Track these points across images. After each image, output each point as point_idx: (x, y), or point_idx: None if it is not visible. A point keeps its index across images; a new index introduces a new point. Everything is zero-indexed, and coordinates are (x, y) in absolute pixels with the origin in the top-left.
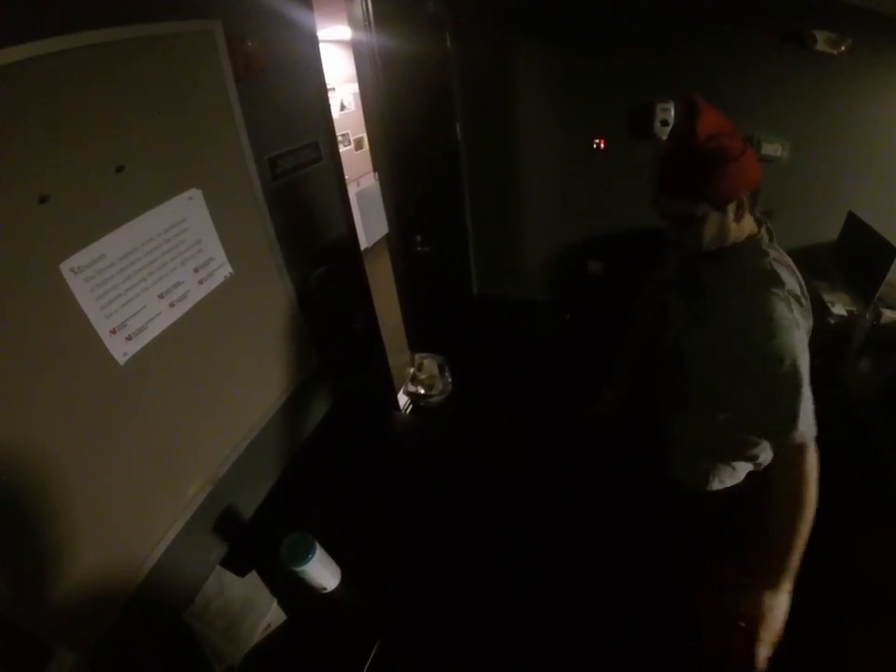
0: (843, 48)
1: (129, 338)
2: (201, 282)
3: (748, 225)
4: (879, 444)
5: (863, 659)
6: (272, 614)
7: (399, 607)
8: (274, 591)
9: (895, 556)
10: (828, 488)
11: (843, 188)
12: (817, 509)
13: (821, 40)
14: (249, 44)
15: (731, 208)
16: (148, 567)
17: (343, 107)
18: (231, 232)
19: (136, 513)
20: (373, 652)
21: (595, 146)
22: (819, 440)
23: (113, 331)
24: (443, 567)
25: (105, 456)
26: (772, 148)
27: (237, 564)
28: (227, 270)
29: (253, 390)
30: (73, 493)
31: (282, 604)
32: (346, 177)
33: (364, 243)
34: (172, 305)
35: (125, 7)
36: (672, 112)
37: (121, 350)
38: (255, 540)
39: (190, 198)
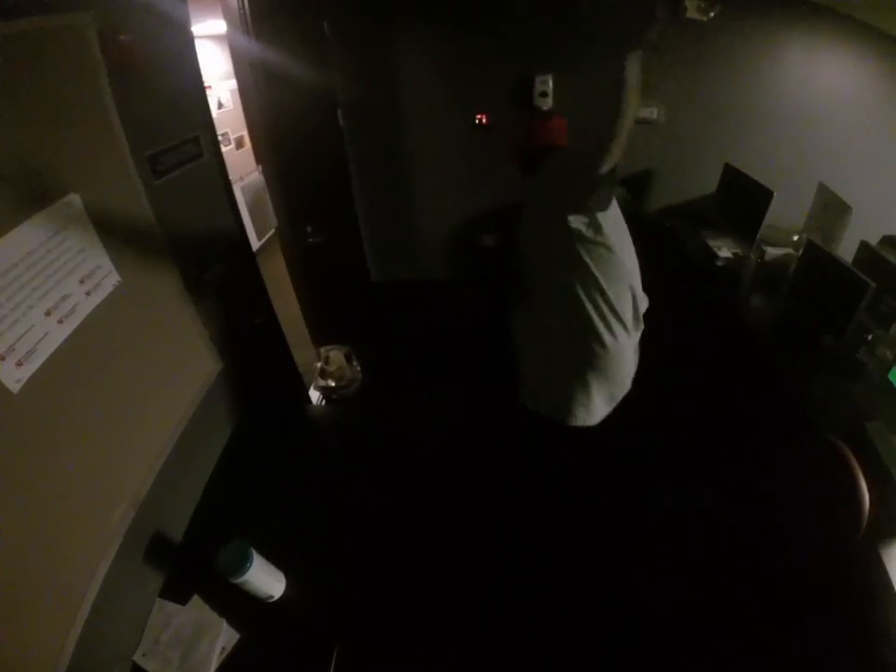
0: (712, 14)
1: (19, 363)
2: (88, 293)
3: None
4: (776, 370)
5: None
6: (224, 636)
7: (355, 605)
8: (221, 612)
9: (794, 471)
10: (732, 408)
11: (718, 142)
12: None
13: (691, 7)
14: (122, 38)
15: None
16: (86, 613)
17: (220, 105)
18: (116, 237)
19: (59, 552)
20: (335, 657)
21: (477, 121)
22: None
23: (1, 357)
24: (390, 558)
25: (12, 493)
26: (648, 112)
27: (177, 592)
28: (115, 278)
29: (161, 402)
30: None
31: (232, 623)
32: (231, 177)
33: (255, 238)
34: (60, 322)
35: None
36: (550, 84)
37: (13, 377)
38: (190, 563)
39: (69, 203)
